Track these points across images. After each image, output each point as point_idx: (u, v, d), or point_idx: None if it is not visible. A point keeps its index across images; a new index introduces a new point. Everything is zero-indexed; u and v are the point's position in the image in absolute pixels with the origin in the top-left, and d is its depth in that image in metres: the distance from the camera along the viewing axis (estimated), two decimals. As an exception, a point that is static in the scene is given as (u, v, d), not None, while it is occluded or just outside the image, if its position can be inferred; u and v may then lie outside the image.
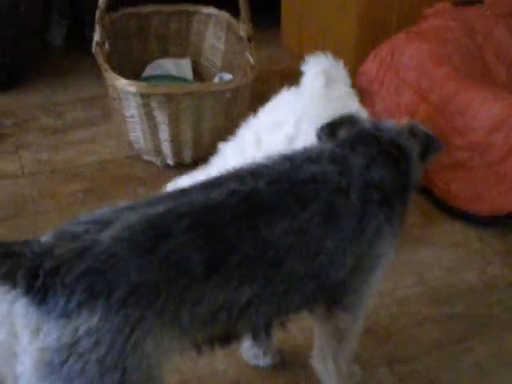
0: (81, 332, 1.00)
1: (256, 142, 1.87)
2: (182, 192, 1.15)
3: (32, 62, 2.63)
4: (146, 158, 2.20)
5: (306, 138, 1.75)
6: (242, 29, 2.27)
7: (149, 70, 2.44)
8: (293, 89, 1.95)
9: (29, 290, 1.00)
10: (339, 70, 1.96)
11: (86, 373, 1.01)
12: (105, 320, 1.00)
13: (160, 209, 1.08)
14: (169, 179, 2.04)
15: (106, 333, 1.00)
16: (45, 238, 1.06)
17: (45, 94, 2.52)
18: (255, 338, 1.27)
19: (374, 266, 1.28)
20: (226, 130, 2.17)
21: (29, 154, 2.26)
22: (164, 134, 2.08)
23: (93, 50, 2.19)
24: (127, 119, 2.09)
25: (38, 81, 2.58)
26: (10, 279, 1.00)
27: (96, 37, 2.18)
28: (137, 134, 2.12)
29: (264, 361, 1.61)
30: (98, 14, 2.16)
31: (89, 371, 1.01)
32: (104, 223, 1.06)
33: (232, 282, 1.09)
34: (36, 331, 1.01)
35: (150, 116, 2.04)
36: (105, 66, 2.08)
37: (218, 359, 1.60)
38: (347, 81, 1.98)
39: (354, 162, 1.26)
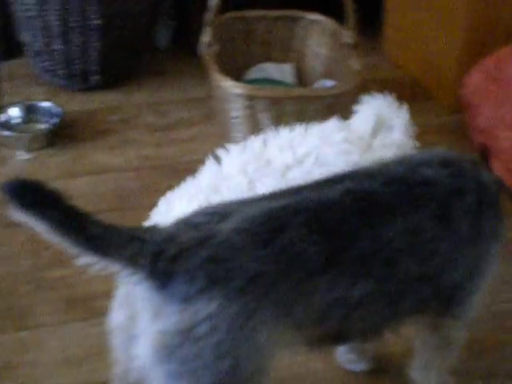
0: (199, 317, 1.03)
1: (259, 155, 1.69)
2: (299, 189, 1.18)
3: (139, 62, 2.73)
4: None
5: (303, 173, 1.61)
6: (347, 35, 2.28)
7: (251, 74, 2.49)
8: (338, 122, 1.77)
9: (151, 275, 1.04)
10: (398, 116, 1.76)
11: (201, 358, 1.04)
12: (222, 307, 1.03)
13: (278, 203, 1.11)
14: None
15: (223, 320, 1.03)
16: (167, 225, 1.11)
17: (150, 93, 2.61)
18: (365, 340, 1.28)
19: (486, 270, 1.28)
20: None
21: (133, 150, 2.34)
22: (266, 136, 2.11)
23: (200, 52, 2.25)
24: (231, 120, 2.14)
25: (144, 80, 2.68)
26: (133, 263, 1.04)
27: (205, 38, 2.24)
28: (239, 135, 2.16)
29: (359, 366, 1.61)
30: (208, 16, 2.22)
31: (204, 356, 1.04)
32: (224, 215, 1.09)
33: (346, 279, 1.10)
34: (156, 314, 1.05)
35: (253, 118, 2.08)
36: (213, 68, 2.13)
37: (314, 359, 1.61)
38: (405, 128, 1.76)
39: (464, 165, 1.29)
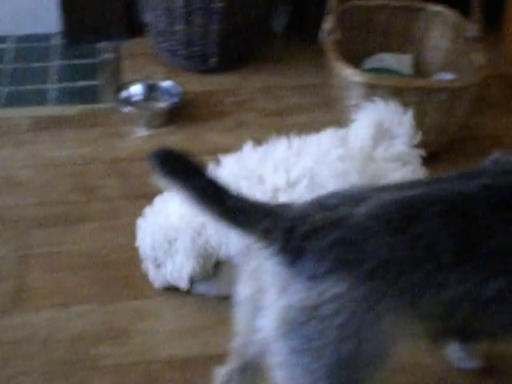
0: (326, 297, 1.04)
1: (260, 160, 1.69)
2: (434, 180, 1.18)
3: (256, 47, 2.76)
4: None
5: (292, 198, 1.58)
6: (471, 29, 2.23)
7: (369, 63, 2.47)
8: (337, 132, 1.72)
9: (283, 250, 1.06)
10: (400, 124, 1.68)
11: (324, 337, 1.06)
12: (351, 289, 1.04)
13: (413, 192, 1.11)
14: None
15: (350, 302, 1.04)
16: (300, 204, 1.13)
17: (265, 78, 2.64)
18: (488, 340, 1.26)
19: None
20: (446, 130, 2.16)
21: (247, 132, 2.36)
22: (383, 126, 2.10)
23: (321, 39, 2.26)
24: (348, 109, 2.14)
25: (260, 65, 2.70)
26: (267, 237, 1.07)
27: (326, 25, 2.24)
28: (355, 123, 2.16)
29: (469, 364, 1.59)
30: (331, 3, 2.22)
31: (327, 336, 1.06)
32: (357, 199, 1.11)
33: (478, 275, 1.09)
34: (283, 289, 1.07)
35: (372, 107, 2.07)
36: (333, 55, 2.14)
37: (423, 353, 1.59)
38: (408, 138, 1.68)
39: None
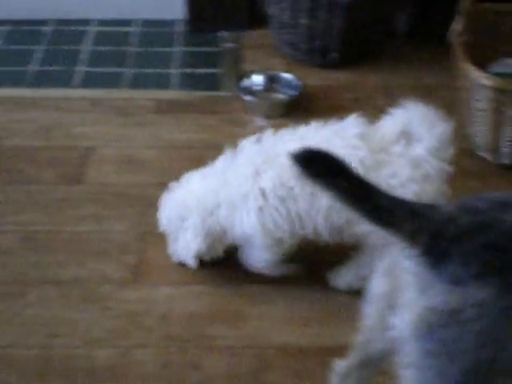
0: (469, 301, 1.03)
1: (271, 148, 1.73)
2: None
3: (376, 44, 2.75)
4: (479, 153, 2.20)
5: None
6: None
7: (494, 68, 2.42)
8: (357, 119, 1.74)
9: (427, 252, 1.06)
10: (428, 132, 1.65)
11: (462, 341, 1.05)
12: (496, 296, 1.02)
13: None
14: (502, 178, 2.07)
15: (493, 309, 1.03)
16: (446, 206, 1.12)
17: (384, 76, 2.61)
18: None
19: None
20: None
21: (362, 129, 2.37)
22: (508, 131, 2.06)
23: (450, 40, 2.23)
24: (475, 112, 2.11)
25: (380, 62, 2.69)
26: (412, 237, 1.07)
27: (457, 27, 2.21)
28: (479, 128, 2.12)
29: None
30: (463, 4, 2.19)
31: (465, 341, 1.05)
32: (506, 205, 1.09)
33: None
34: (424, 291, 1.06)
35: (498, 111, 2.04)
36: (462, 57, 2.11)
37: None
38: (433, 148, 1.65)
39: None
